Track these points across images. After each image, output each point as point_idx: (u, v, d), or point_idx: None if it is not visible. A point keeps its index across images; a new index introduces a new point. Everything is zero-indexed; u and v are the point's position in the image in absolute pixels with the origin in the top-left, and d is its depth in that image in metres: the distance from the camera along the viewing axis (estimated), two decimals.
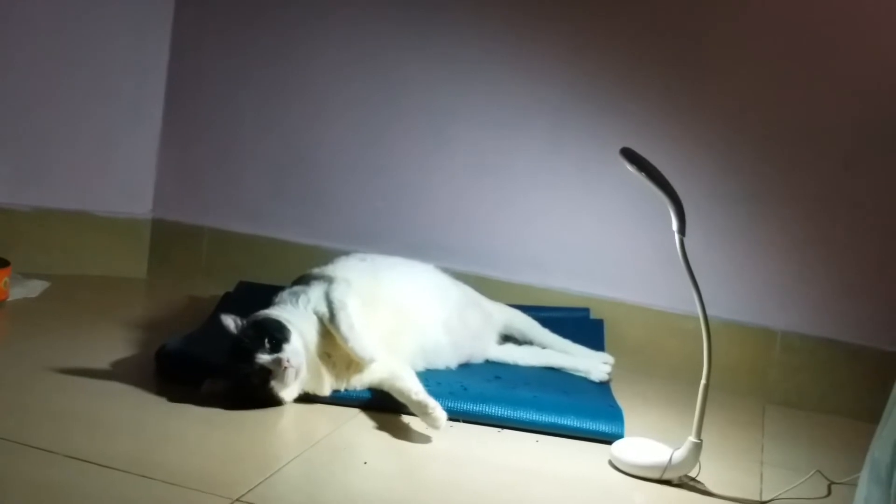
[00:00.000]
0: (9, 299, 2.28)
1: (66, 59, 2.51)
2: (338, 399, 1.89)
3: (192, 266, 2.66)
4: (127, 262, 2.64)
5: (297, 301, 1.91)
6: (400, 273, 2.12)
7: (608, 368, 2.17)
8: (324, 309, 1.89)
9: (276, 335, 1.79)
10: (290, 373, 1.78)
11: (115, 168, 2.62)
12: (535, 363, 2.21)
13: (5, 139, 2.47)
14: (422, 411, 1.79)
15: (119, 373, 1.92)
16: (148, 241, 2.66)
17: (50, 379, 1.85)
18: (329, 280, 1.96)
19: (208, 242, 2.66)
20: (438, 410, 1.78)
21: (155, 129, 2.64)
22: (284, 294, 1.95)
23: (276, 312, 1.87)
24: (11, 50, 2.44)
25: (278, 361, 1.76)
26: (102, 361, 1.95)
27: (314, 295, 1.92)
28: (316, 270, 2.04)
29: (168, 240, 2.66)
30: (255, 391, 1.79)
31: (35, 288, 2.37)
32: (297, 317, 1.86)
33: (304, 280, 2.00)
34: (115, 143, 2.61)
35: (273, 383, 1.78)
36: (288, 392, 1.82)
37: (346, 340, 1.84)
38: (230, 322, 1.82)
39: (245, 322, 1.83)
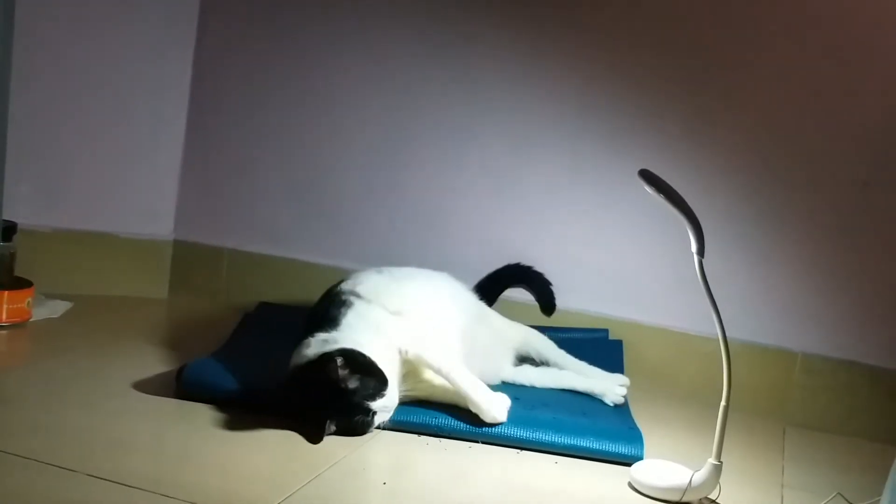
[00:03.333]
0: (32, 319, 2.30)
1: (87, 80, 2.54)
2: None
3: (213, 287, 2.67)
4: (148, 282, 2.66)
5: (375, 334, 1.90)
6: (416, 288, 2.11)
7: (623, 391, 2.16)
8: (428, 363, 1.91)
9: (380, 377, 1.82)
10: (388, 416, 1.84)
11: (136, 190, 2.64)
12: (550, 384, 2.20)
13: (28, 160, 2.49)
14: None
15: (140, 393, 1.93)
16: (169, 262, 2.68)
17: (72, 398, 1.87)
18: (396, 312, 1.98)
19: (229, 263, 2.67)
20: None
21: (176, 152, 2.67)
22: (351, 317, 1.94)
23: (359, 345, 1.85)
24: (34, 71, 2.46)
25: (386, 409, 1.82)
26: (123, 381, 1.97)
27: (393, 332, 1.92)
28: (347, 287, 2.03)
29: (189, 261, 2.68)
30: (357, 430, 1.82)
31: (57, 308, 2.40)
32: (380, 350, 1.87)
33: (343, 301, 1.98)
34: (136, 164, 2.63)
35: (374, 423, 1.83)
36: None
37: (478, 409, 1.88)
38: (341, 368, 1.79)
39: (344, 360, 1.80)
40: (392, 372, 1.86)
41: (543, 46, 2.43)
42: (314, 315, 2.00)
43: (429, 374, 1.94)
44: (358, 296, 2.00)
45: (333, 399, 1.79)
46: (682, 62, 2.34)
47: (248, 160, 2.66)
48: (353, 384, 1.79)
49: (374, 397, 1.80)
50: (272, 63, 2.62)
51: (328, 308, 1.98)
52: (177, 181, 2.68)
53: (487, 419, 1.88)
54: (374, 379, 1.81)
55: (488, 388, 1.92)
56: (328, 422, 1.78)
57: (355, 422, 1.81)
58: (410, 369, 1.93)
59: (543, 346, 2.27)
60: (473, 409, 1.89)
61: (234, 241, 2.67)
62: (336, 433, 1.81)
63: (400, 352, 1.90)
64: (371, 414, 1.81)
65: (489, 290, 2.35)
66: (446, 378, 1.90)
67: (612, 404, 2.13)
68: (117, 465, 1.57)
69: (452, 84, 2.50)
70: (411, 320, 1.98)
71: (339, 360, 1.78)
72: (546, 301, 2.36)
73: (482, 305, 2.26)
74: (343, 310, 1.96)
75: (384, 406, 1.82)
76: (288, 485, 1.59)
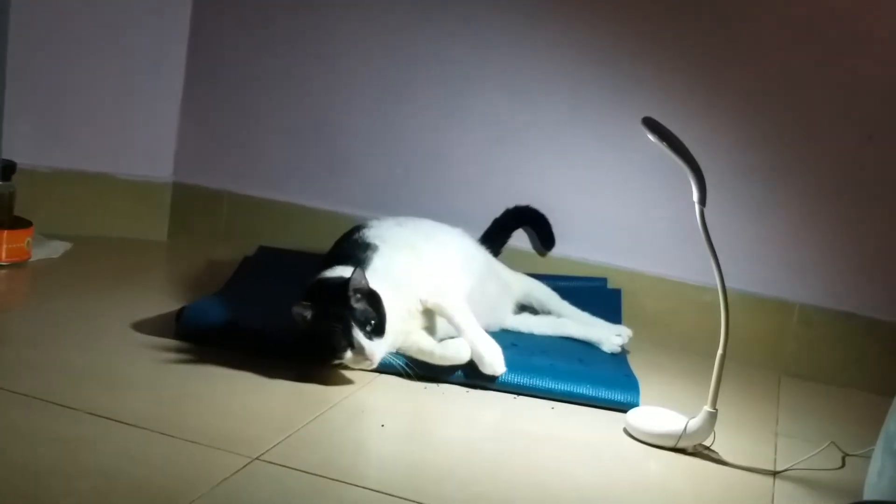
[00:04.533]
0: (31, 260, 2.30)
1: (88, 20, 2.52)
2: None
3: (212, 230, 2.67)
4: (148, 224, 2.65)
5: (400, 281, 1.91)
6: (435, 246, 2.13)
7: (620, 341, 2.16)
8: (444, 311, 1.93)
9: (380, 322, 1.81)
10: (364, 365, 1.81)
11: (136, 131, 2.62)
12: (549, 332, 2.21)
13: (28, 100, 2.47)
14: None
15: (139, 333, 1.94)
16: (169, 205, 2.67)
17: (71, 338, 1.88)
18: (418, 263, 2.00)
19: (228, 207, 2.67)
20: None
21: (176, 94, 2.65)
22: (378, 262, 1.95)
23: (382, 289, 1.85)
24: (33, 11, 2.44)
25: (365, 354, 1.78)
26: (123, 322, 1.97)
27: (416, 281, 1.94)
28: (371, 234, 2.05)
29: (188, 203, 2.67)
30: (325, 353, 1.80)
31: (57, 249, 2.39)
32: (398, 302, 1.88)
33: (369, 245, 2.00)
34: (136, 106, 2.61)
35: (346, 358, 1.79)
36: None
37: (480, 360, 1.88)
38: (357, 280, 1.80)
39: (364, 283, 1.82)
40: (398, 331, 1.87)
41: None
42: (338, 255, 2.00)
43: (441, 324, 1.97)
44: (385, 242, 2.01)
45: (333, 307, 1.78)
46: (687, 11, 2.31)
47: (249, 103, 2.64)
48: (357, 303, 1.79)
49: (363, 328, 1.78)
50: (273, 4, 2.59)
51: (353, 250, 1.99)
52: (176, 123, 2.66)
53: (487, 371, 1.89)
54: (377, 320, 1.80)
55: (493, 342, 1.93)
56: (310, 305, 1.78)
57: (330, 341, 1.78)
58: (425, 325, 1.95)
59: (545, 295, 2.28)
60: (474, 359, 1.90)
61: (234, 185, 2.66)
62: (305, 334, 1.79)
63: (420, 301, 1.92)
64: (353, 341, 1.77)
65: (495, 238, 2.37)
66: (457, 327, 1.92)
67: (608, 352, 2.14)
68: (116, 404, 1.58)
69: (454, 30, 2.47)
70: (431, 272, 2.00)
71: (361, 275, 1.80)
72: (546, 235, 2.40)
73: (490, 258, 2.28)
74: (370, 254, 1.97)
75: (363, 347, 1.78)
76: (286, 425, 1.60)
